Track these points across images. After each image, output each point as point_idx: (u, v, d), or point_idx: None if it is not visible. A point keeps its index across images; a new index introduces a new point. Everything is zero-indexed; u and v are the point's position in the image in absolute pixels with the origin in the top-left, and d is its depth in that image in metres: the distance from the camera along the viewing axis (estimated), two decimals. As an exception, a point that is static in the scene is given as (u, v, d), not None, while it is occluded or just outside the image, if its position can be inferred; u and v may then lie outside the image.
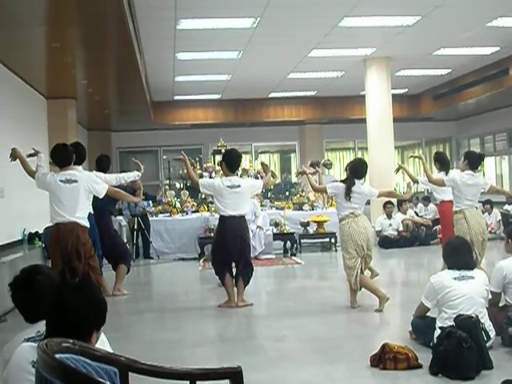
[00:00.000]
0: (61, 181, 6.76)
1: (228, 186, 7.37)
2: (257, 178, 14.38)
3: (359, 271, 7.05)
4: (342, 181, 7.35)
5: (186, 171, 8.06)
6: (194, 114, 17.84)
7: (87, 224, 6.89)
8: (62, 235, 6.69)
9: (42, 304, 2.80)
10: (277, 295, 8.87)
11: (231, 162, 7.57)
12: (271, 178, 8.35)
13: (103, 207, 8.21)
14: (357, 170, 7.25)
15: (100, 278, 7.24)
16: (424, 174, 8.49)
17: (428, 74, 15.07)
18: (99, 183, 7.06)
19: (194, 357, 5.45)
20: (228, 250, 7.36)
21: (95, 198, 7.29)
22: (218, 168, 11.97)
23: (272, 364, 5.14)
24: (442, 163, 8.79)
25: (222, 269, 7.50)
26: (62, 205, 6.73)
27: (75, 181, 6.78)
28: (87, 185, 6.87)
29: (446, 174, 8.59)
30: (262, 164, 8.51)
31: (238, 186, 7.41)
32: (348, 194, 7.05)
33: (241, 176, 11.98)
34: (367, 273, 7.63)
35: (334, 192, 7.40)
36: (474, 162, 7.88)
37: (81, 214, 6.79)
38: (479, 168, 8.28)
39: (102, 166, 8.55)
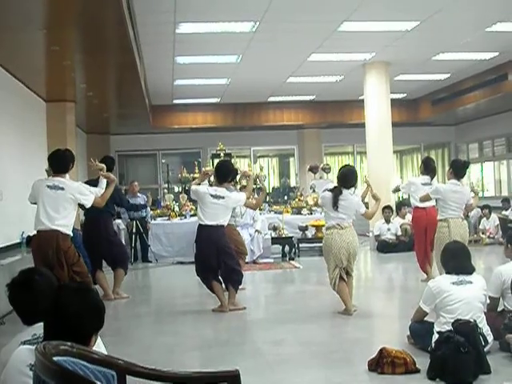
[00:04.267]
0: (47, 186, 6.64)
1: (211, 195, 7.32)
2: (255, 182, 14.47)
3: (337, 280, 6.99)
4: (330, 190, 7.20)
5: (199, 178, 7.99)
6: (193, 118, 17.85)
7: (69, 232, 6.74)
8: (42, 243, 6.55)
9: (40, 305, 2.80)
10: (275, 299, 8.85)
11: (219, 175, 7.58)
12: (262, 197, 8.40)
13: (103, 209, 8.13)
14: (345, 179, 7.09)
15: (89, 282, 7.10)
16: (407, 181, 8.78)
17: (427, 79, 15.10)
18: (86, 194, 6.87)
19: (192, 360, 5.45)
20: (207, 258, 7.37)
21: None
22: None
23: (270, 368, 5.13)
24: (427, 167, 9.00)
25: (206, 276, 7.52)
26: (44, 211, 6.58)
27: (62, 188, 6.64)
28: (73, 195, 6.70)
29: (431, 179, 8.79)
30: (246, 174, 8.40)
31: (222, 198, 7.35)
32: (335, 203, 6.92)
33: (239, 181, 12.00)
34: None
35: (322, 202, 7.37)
36: (458, 170, 8.01)
37: (63, 221, 6.63)
38: (464, 177, 8.25)
39: (106, 166, 8.52)
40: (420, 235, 9.03)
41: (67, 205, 6.67)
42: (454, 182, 7.98)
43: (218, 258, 7.37)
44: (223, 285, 7.58)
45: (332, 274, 7.02)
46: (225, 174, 7.62)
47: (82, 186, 7.02)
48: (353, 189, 7.10)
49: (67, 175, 6.98)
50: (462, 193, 8.00)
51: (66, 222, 6.68)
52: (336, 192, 7.00)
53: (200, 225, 7.45)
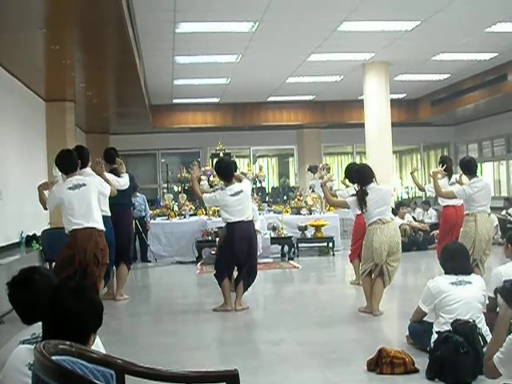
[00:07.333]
0: (69, 188, 6.66)
1: (231, 195, 7.39)
2: (255, 181, 14.49)
3: (366, 273, 6.98)
4: (354, 194, 7.12)
5: (191, 184, 8.10)
6: (193, 118, 17.84)
7: (103, 227, 6.85)
8: (80, 241, 6.57)
9: (40, 304, 2.80)
10: (274, 299, 8.86)
11: (224, 173, 7.59)
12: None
13: (124, 201, 8.25)
14: (361, 177, 7.07)
15: (99, 285, 7.10)
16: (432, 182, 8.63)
17: (426, 79, 15.10)
18: (105, 185, 7.21)
19: (192, 360, 5.44)
20: (235, 253, 7.38)
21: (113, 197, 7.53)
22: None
23: (269, 367, 5.14)
24: (447, 168, 8.79)
25: (223, 272, 7.50)
26: (74, 212, 6.63)
27: (83, 184, 6.72)
28: (96, 187, 6.90)
29: (449, 178, 8.66)
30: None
31: (241, 192, 7.44)
32: (362, 205, 6.88)
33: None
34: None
35: (353, 208, 7.39)
36: (469, 168, 7.85)
37: (96, 217, 6.74)
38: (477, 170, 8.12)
39: (110, 158, 8.55)
40: (445, 234, 8.83)
41: (93, 198, 6.80)
42: (474, 180, 7.72)
43: (246, 255, 7.43)
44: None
45: (366, 263, 6.96)
46: (230, 171, 7.64)
47: (98, 178, 7.27)
48: (374, 183, 7.01)
49: (88, 169, 7.30)
50: (487, 187, 7.82)
51: (98, 216, 6.81)
52: (359, 195, 6.92)
53: (229, 223, 7.43)
